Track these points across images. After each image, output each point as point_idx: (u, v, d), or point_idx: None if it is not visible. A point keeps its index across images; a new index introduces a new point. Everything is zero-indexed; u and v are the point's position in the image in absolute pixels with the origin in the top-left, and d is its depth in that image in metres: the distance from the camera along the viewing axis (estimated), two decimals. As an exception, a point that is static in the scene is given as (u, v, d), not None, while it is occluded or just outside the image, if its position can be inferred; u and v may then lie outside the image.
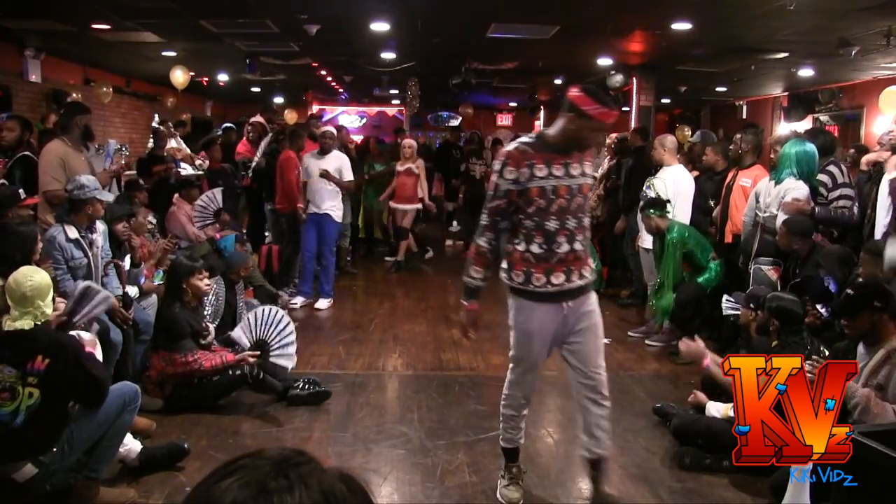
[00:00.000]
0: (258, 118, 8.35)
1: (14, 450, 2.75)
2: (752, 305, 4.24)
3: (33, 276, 2.95)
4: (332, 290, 6.83)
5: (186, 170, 8.42)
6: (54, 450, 2.83)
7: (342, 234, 8.27)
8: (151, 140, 8.75)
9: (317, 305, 6.69)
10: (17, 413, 2.74)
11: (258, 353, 4.22)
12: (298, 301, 6.70)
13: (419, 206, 8.62)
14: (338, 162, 6.69)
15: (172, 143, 8.48)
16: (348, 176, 6.73)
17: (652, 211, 5.34)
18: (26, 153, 5.13)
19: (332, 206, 6.67)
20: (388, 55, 9.11)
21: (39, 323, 2.90)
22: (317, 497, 0.70)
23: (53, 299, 3.08)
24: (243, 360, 4.11)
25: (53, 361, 2.76)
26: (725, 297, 4.68)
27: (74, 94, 9.10)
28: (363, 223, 9.53)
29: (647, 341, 5.79)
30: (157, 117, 11.51)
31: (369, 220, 9.66)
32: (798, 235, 4.59)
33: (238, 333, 4.37)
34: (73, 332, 3.21)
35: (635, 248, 6.32)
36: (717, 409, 3.71)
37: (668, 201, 5.44)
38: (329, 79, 11.91)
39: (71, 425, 2.90)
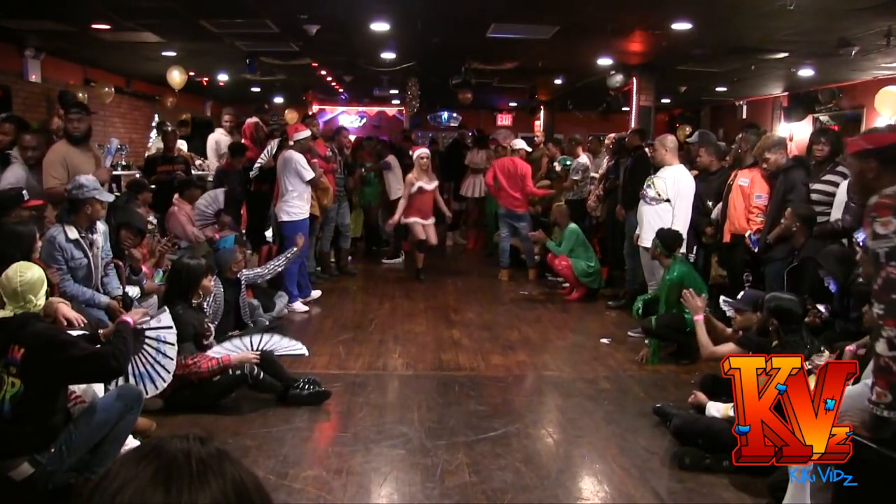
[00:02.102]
0: (254, 119, 8.35)
1: (5, 443, 2.75)
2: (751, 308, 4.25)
3: (24, 272, 2.97)
4: None
5: (187, 170, 8.42)
6: (52, 450, 2.83)
7: (343, 234, 8.29)
8: (155, 139, 8.75)
9: (303, 307, 6.65)
10: (2, 403, 2.75)
11: (259, 353, 4.22)
12: (299, 305, 6.65)
13: (433, 220, 8.21)
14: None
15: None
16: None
17: (661, 245, 5.31)
18: (7, 152, 5.10)
19: None
20: (388, 55, 9.10)
21: (20, 311, 2.91)
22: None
23: (47, 295, 3.09)
24: (245, 360, 4.11)
25: (29, 352, 2.76)
26: (723, 298, 4.69)
27: (79, 95, 9.10)
28: (360, 223, 9.53)
29: (629, 332, 5.94)
30: (157, 117, 11.53)
31: (368, 221, 9.68)
32: (798, 218, 4.68)
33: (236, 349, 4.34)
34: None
35: (634, 245, 6.30)
36: (717, 409, 3.71)
37: (678, 236, 5.44)
38: (329, 79, 11.90)
39: (70, 427, 2.90)
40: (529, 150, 9.10)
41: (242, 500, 0.70)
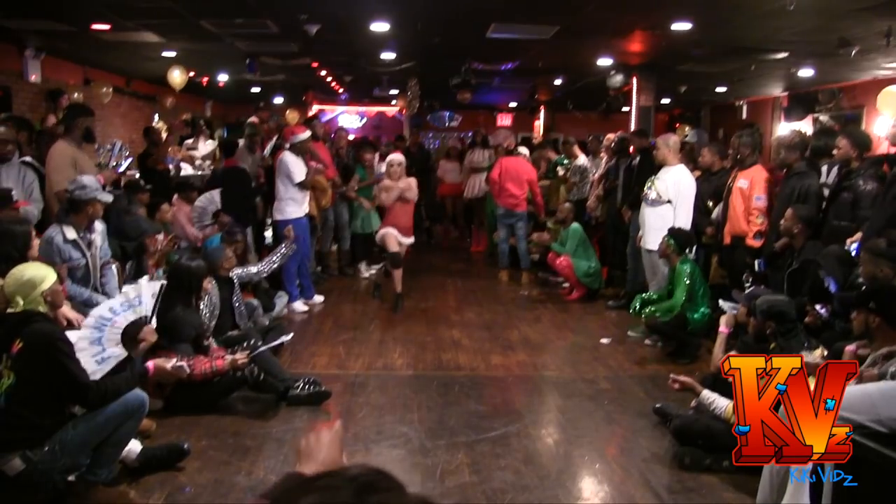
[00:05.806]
0: (254, 118, 8.35)
1: None
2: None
3: (14, 273, 3.00)
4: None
5: (186, 170, 8.43)
6: (45, 448, 2.83)
7: (343, 237, 8.29)
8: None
9: (303, 307, 6.65)
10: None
11: (248, 353, 4.18)
12: (299, 305, 6.65)
13: (413, 240, 7.01)
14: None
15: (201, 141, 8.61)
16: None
17: (673, 243, 5.31)
18: None
19: None
20: (388, 55, 9.10)
21: (28, 308, 2.93)
22: None
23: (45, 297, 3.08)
24: (234, 365, 4.01)
25: (25, 346, 2.78)
26: (721, 301, 4.69)
27: (76, 94, 9.10)
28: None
29: (629, 332, 5.96)
30: (156, 117, 11.53)
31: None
32: (800, 220, 4.68)
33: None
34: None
35: (637, 245, 6.29)
36: (712, 396, 3.60)
37: (691, 236, 5.49)
38: (329, 79, 11.90)
39: (68, 427, 2.89)
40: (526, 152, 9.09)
41: None
